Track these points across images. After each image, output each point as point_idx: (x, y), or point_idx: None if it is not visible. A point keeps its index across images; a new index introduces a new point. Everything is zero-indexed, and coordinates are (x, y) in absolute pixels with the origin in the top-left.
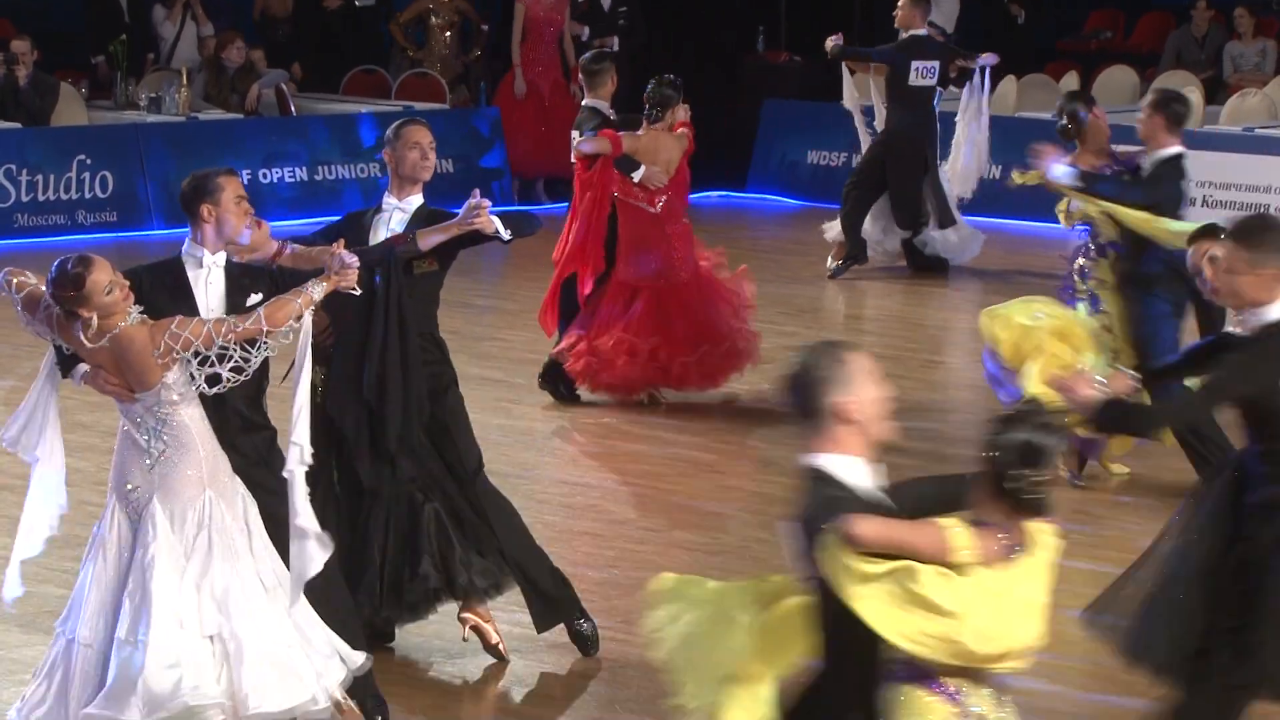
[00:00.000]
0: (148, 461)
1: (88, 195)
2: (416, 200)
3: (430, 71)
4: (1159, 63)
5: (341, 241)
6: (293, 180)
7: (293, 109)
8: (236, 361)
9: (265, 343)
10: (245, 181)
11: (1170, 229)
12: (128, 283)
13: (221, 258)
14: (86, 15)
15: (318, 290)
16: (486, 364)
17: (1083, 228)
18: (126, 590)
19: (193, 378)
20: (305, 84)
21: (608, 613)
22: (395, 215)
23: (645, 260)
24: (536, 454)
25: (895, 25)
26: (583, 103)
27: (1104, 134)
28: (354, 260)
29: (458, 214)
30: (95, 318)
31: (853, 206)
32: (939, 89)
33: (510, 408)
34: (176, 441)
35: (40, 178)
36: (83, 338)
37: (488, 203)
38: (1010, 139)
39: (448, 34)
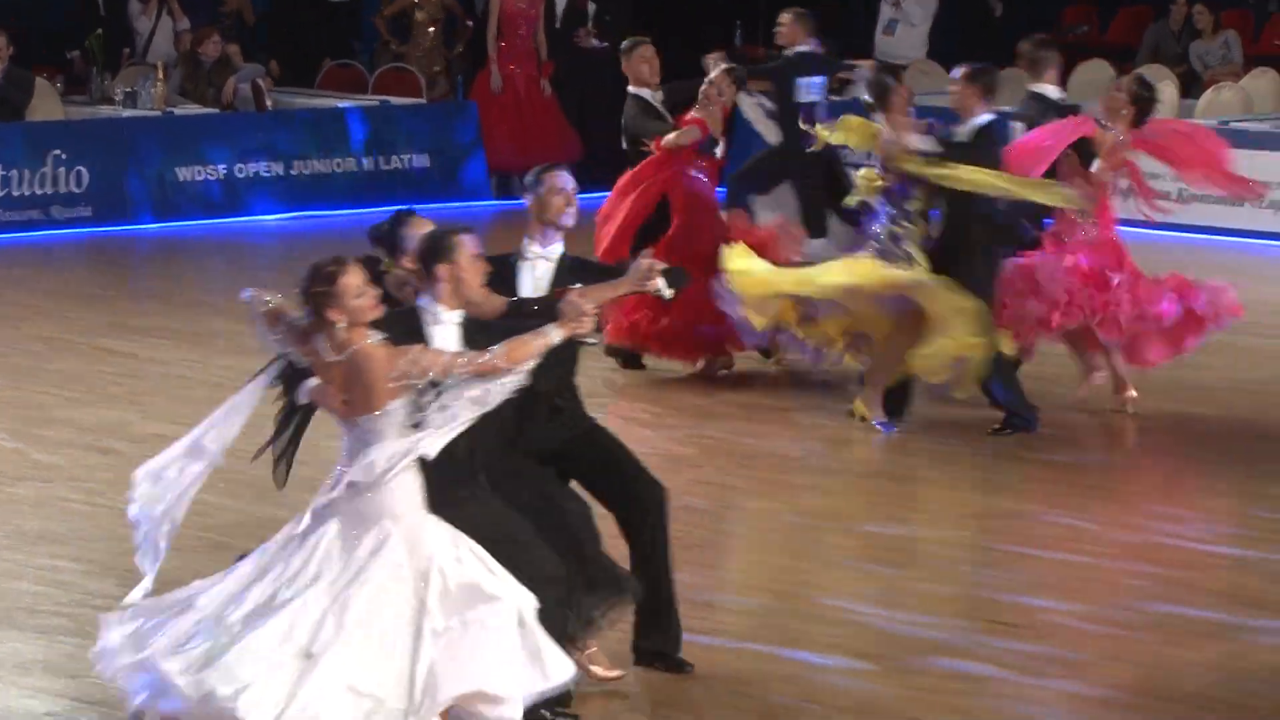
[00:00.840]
0: (345, 483)
1: (63, 190)
2: (559, 247)
3: (407, 66)
4: (1135, 57)
5: (578, 288)
6: (269, 175)
7: (269, 103)
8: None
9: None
10: (222, 176)
11: (1032, 187)
12: (378, 292)
13: (458, 315)
14: (62, 10)
15: (556, 334)
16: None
17: (883, 200)
18: (265, 587)
19: (419, 407)
20: (281, 78)
21: None
22: (540, 264)
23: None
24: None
25: (778, 42)
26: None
27: (906, 105)
28: (590, 308)
29: (603, 265)
30: (343, 323)
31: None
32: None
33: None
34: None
35: (15, 173)
36: (325, 346)
37: (661, 265)
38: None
39: (431, 28)
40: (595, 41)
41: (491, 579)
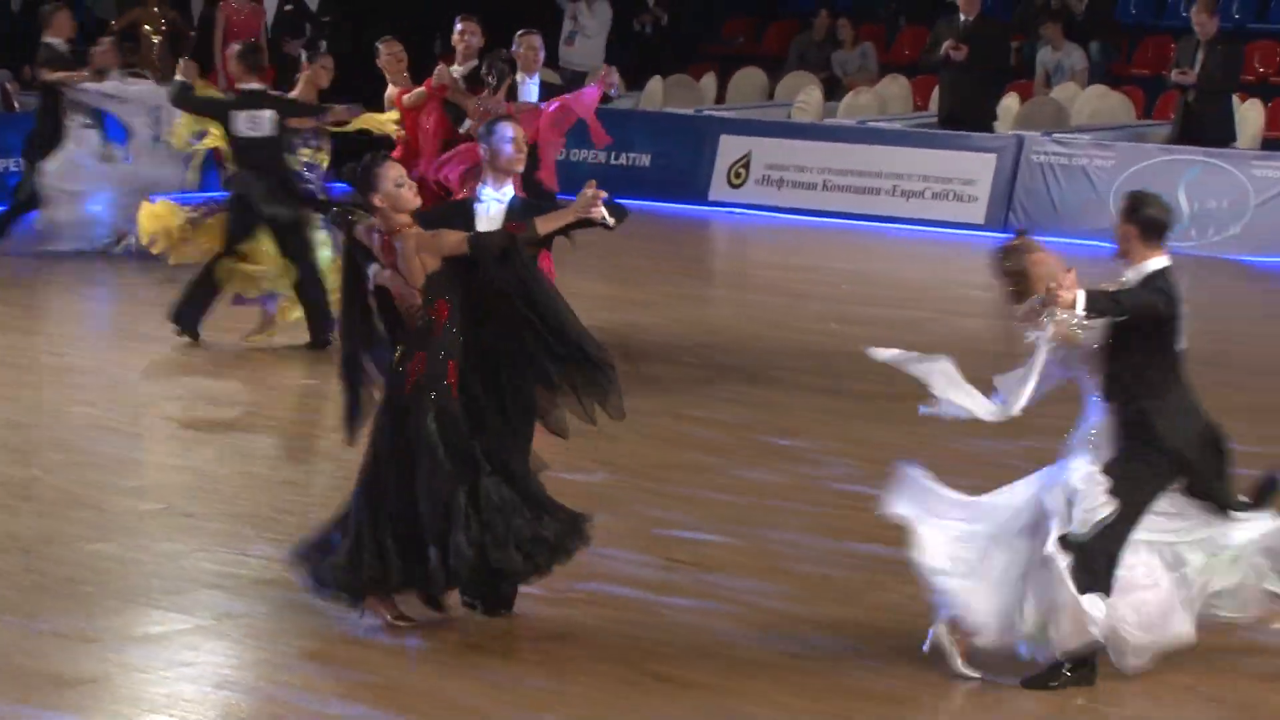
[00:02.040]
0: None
1: None
2: (510, 191)
3: (144, 73)
4: (784, 64)
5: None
6: (18, 170)
7: (16, 105)
8: None
9: None
10: None
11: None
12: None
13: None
14: None
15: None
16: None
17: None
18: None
19: None
20: (28, 83)
21: None
22: (493, 205)
23: None
24: (242, 411)
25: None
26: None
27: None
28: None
29: (550, 203)
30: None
31: None
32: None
33: (219, 371)
34: None
35: None
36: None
37: (603, 193)
38: (660, 131)
39: (156, 40)
40: (302, 51)
41: None
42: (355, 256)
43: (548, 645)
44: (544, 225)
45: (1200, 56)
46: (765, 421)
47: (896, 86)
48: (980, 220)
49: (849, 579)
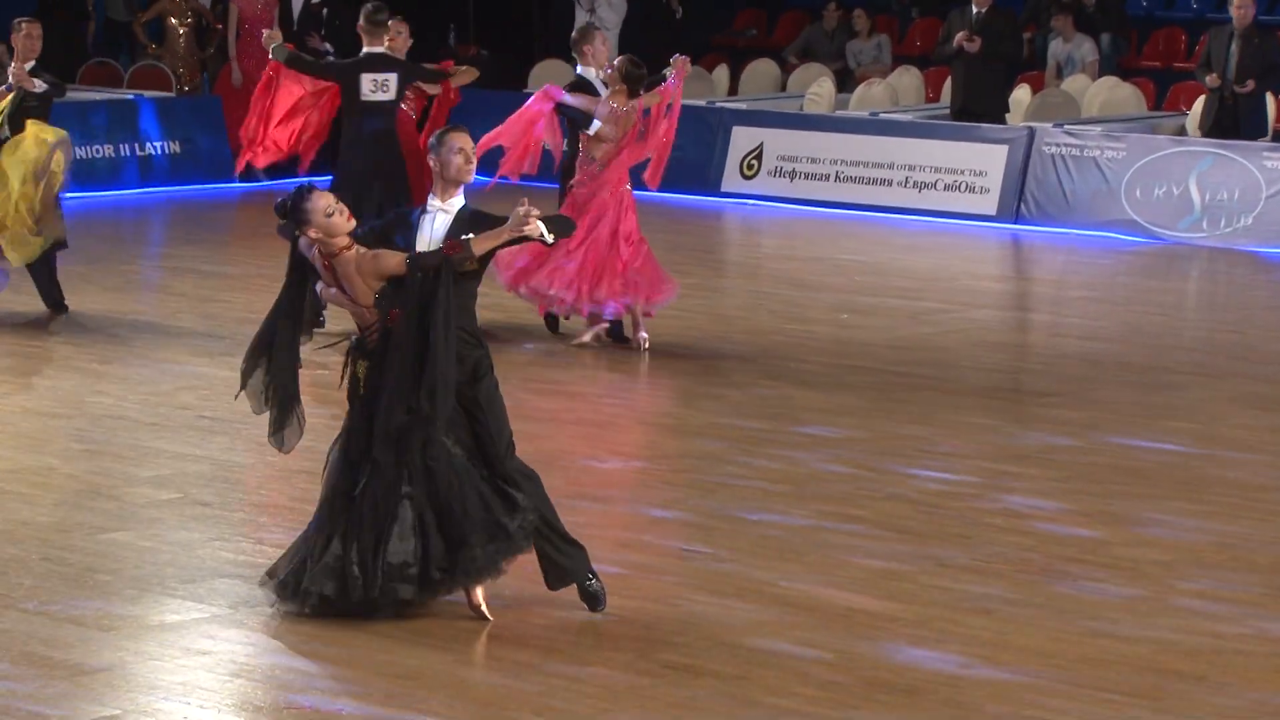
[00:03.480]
0: None
1: None
2: (458, 202)
3: (159, 64)
4: (793, 54)
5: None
6: None
7: None
8: None
9: None
10: None
11: None
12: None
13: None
14: None
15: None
16: (213, 322)
17: None
18: None
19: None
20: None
21: None
22: (439, 216)
23: None
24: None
25: None
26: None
27: None
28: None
29: (498, 216)
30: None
31: None
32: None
33: (234, 361)
34: None
35: None
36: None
37: (536, 210)
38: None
39: (183, 32)
40: (327, 46)
41: None
42: (300, 270)
43: (564, 635)
44: (479, 245)
45: (1235, 48)
46: (777, 411)
47: (909, 78)
48: (992, 211)
49: (862, 566)
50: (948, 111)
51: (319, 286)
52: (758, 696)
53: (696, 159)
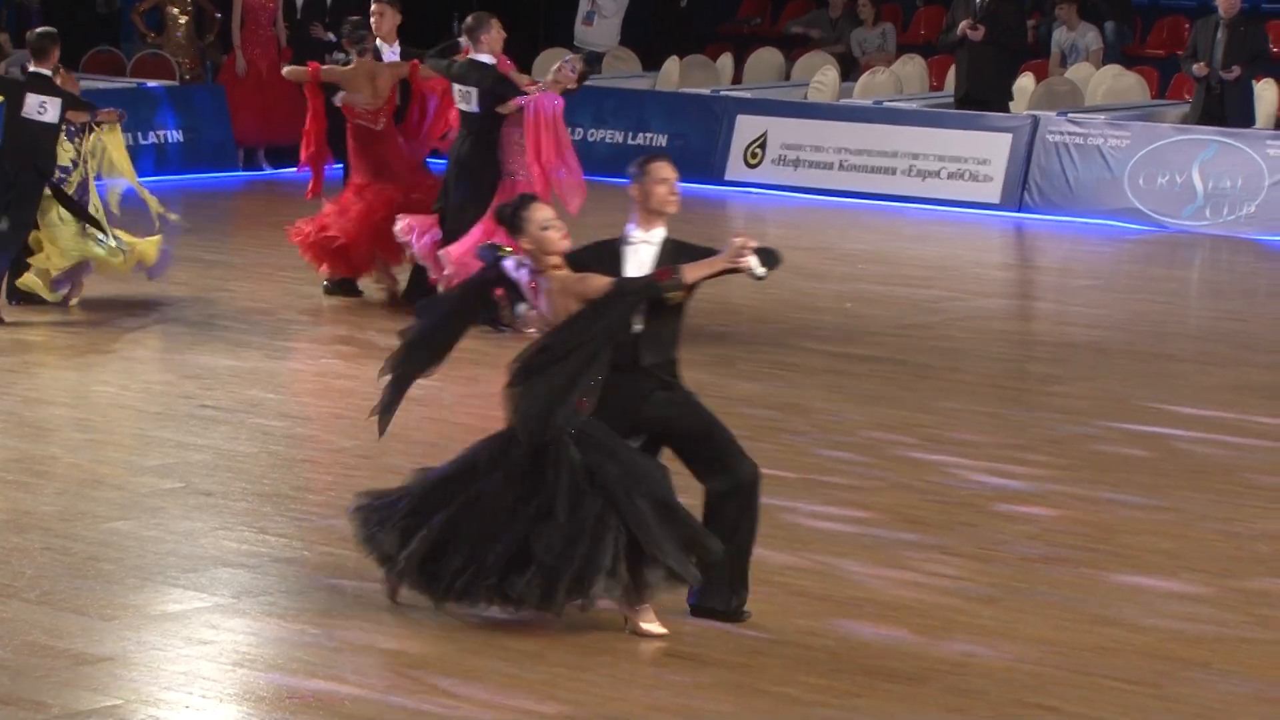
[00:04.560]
0: None
1: None
2: (661, 233)
3: (161, 52)
4: (803, 44)
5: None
6: None
7: None
8: None
9: None
10: None
11: None
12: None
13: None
14: None
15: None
16: (214, 311)
17: None
18: None
19: None
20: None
21: (325, 531)
22: (644, 248)
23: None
24: (261, 390)
25: None
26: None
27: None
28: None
29: (703, 247)
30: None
31: None
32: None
33: (237, 350)
34: None
35: None
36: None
37: (754, 242)
38: (677, 112)
39: (184, 21)
40: (330, 36)
41: None
42: (482, 287)
43: (569, 623)
44: (691, 273)
45: (1221, 37)
46: (783, 400)
47: (913, 66)
48: (996, 200)
49: (868, 555)
50: (952, 100)
51: (519, 309)
52: (762, 685)
53: (701, 147)
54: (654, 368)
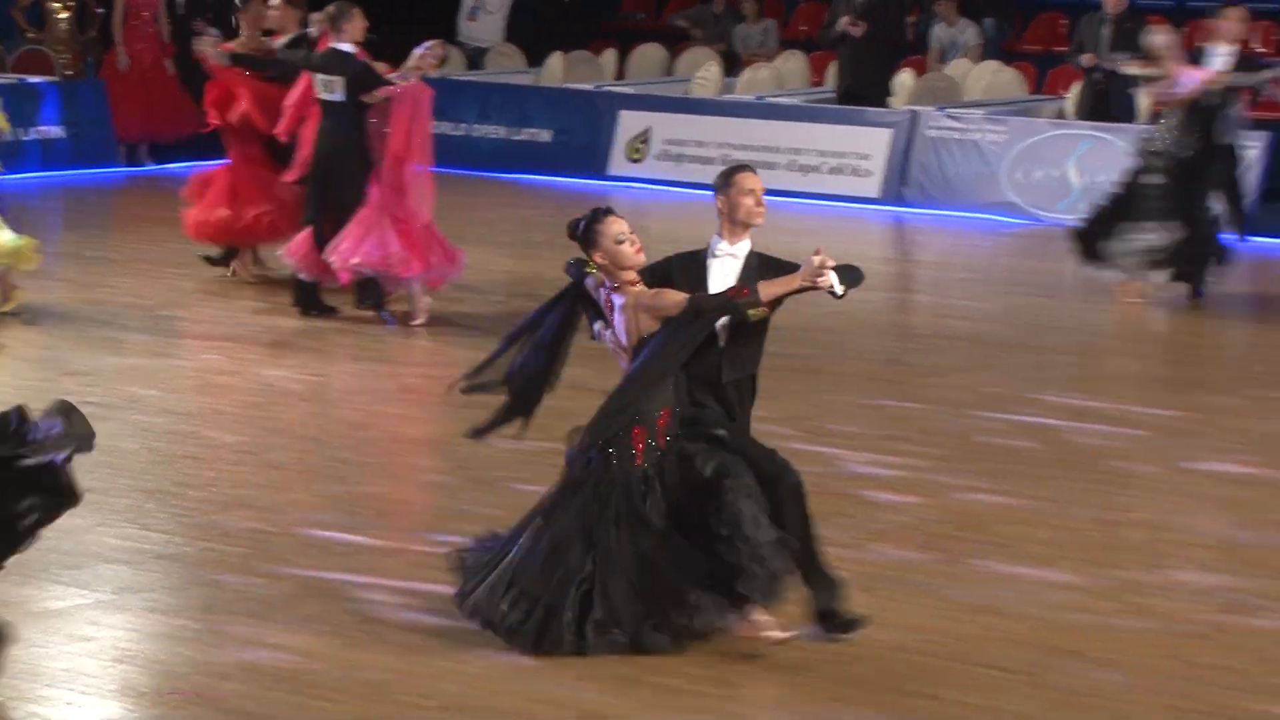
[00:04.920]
0: None
1: None
2: (747, 245)
3: (42, 48)
4: (686, 39)
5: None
6: None
7: None
8: None
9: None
10: None
11: None
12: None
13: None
14: None
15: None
16: (97, 307)
17: None
18: None
19: None
20: None
21: (207, 527)
22: (728, 261)
23: None
24: (143, 387)
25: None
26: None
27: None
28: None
29: (788, 263)
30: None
31: None
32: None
33: (118, 346)
34: None
35: None
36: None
37: (831, 260)
38: (560, 107)
39: (65, 16)
40: (213, 31)
41: None
42: (574, 304)
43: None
44: (768, 290)
45: (1107, 33)
46: None
47: (794, 62)
48: (876, 194)
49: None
50: (833, 95)
51: (596, 327)
52: (643, 676)
53: (584, 143)
54: (733, 384)
